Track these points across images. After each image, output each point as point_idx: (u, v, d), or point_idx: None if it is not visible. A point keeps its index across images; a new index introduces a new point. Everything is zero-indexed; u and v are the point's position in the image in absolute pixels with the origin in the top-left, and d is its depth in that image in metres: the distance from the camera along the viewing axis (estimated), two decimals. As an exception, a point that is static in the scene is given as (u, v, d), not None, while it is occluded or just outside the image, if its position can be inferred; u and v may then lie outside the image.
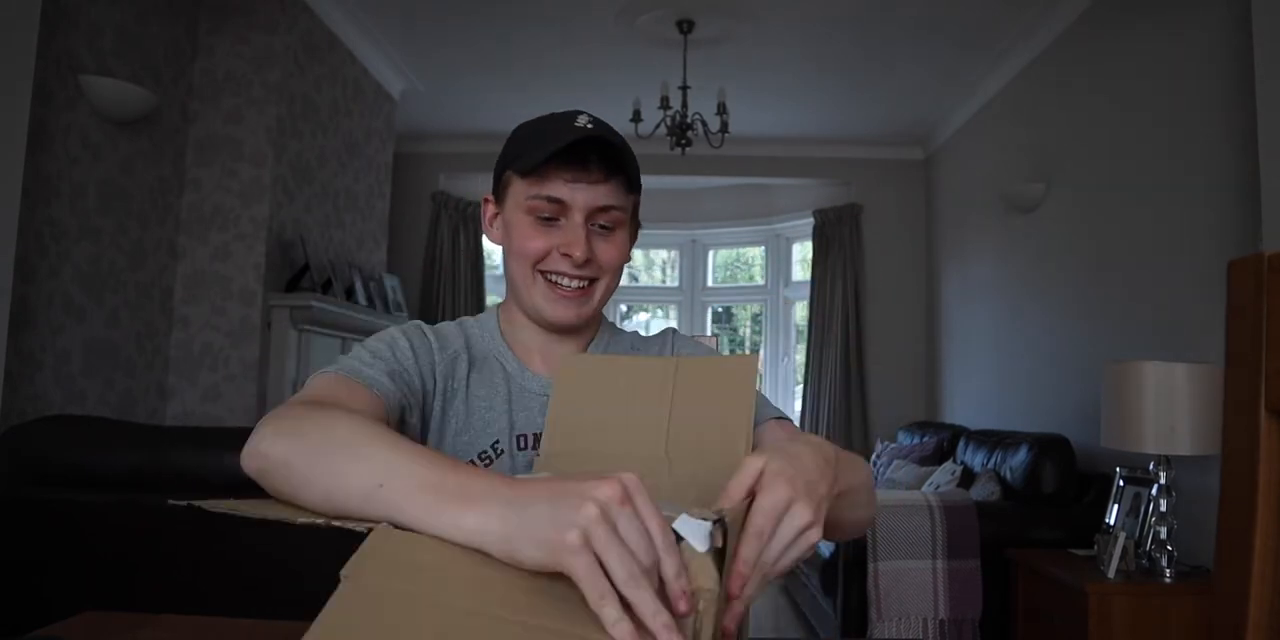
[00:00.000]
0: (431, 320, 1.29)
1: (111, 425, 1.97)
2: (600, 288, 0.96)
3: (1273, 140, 2.15)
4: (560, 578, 0.49)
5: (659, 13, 3.74)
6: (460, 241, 5.72)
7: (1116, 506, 2.53)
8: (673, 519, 0.53)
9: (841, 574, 2.92)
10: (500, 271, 7.02)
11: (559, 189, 0.89)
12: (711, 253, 6.65)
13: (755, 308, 6.63)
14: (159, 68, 3.13)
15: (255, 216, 3.33)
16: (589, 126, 0.89)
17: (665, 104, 3.82)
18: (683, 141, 3.91)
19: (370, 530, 0.53)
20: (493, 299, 6.21)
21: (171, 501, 0.59)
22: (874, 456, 4.65)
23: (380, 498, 0.56)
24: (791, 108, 5.02)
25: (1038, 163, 3.84)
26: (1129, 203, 3.04)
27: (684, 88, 3.95)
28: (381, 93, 4.50)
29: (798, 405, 5.86)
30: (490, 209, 1.00)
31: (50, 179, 2.60)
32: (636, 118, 3.96)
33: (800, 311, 6.15)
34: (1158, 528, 2.31)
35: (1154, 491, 2.32)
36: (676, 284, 6.60)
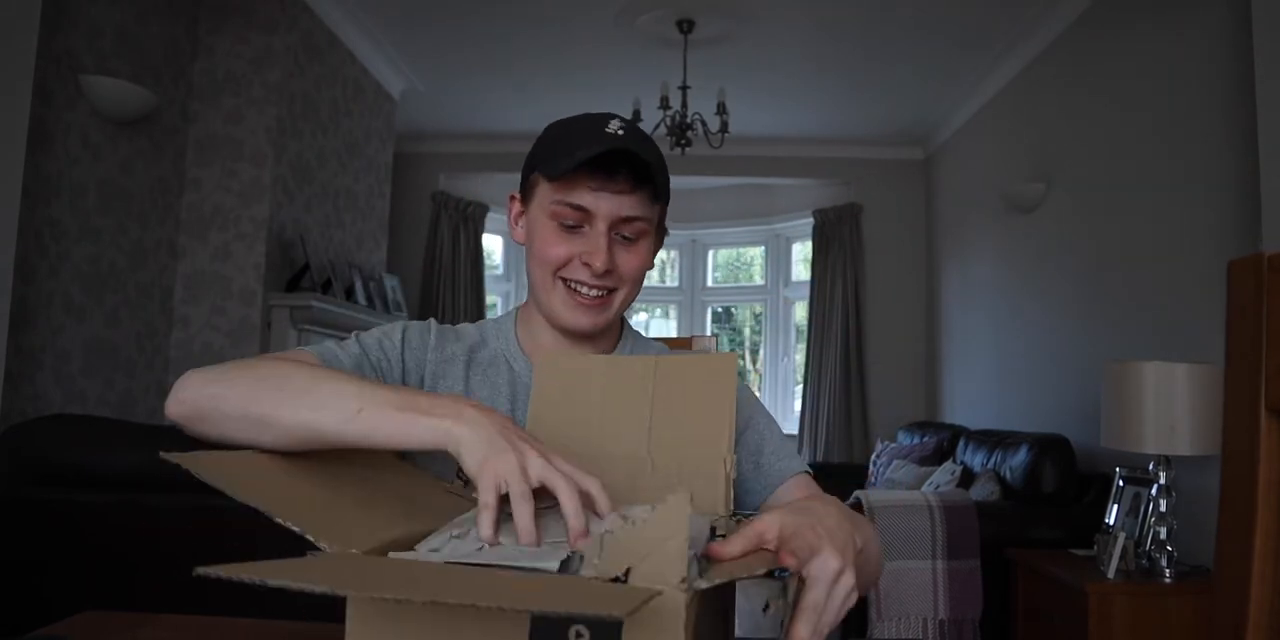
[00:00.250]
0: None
1: (111, 425, 1.97)
2: (619, 297, 0.96)
3: (1273, 140, 2.15)
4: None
5: (659, 13, 3.74)
6: (460, 241, 5.72)
7: (1116, 506, 2.53)
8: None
9: (841, 574, 2.92)
10: (500, 271, 7.01)
11: (584, 197, 0.89)
12: (711, 252, 6.66)
13: (755, 308, 6.63)
14: (159, 68, 3.13)
15: (255, 216, 3.33)
16: (620, 133, 0.88)
17: (665, 104, 3.82)
18: (683, 141, 3.91)
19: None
20: (492, 299, 6.21)
21: (163, 454, 0.61)
22: (874, 456, 4.65)
23: (360, 420, 0.67)
24: (791, 108, 5.02)
25: (1038, 163, 3.84)
26: (1129, 203, 3.03)
27: (684, 88, 3.95)
28: (381, 93, 4.50)
29: (798, 405, 5.87)
30: (515, 207, 1.00)
31: (50, 179, 2.60)
32: (636, 118, 3.96)
33: (800, 311, 6.15)
34: (1157, 528, 2.31)
35: (1154, 491, 2.32)
36: (676, 284, 6.61)
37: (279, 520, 0.57)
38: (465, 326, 1.04)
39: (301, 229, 3.61)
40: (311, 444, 0.70)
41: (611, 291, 0.94)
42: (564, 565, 0.56)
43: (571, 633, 0.50)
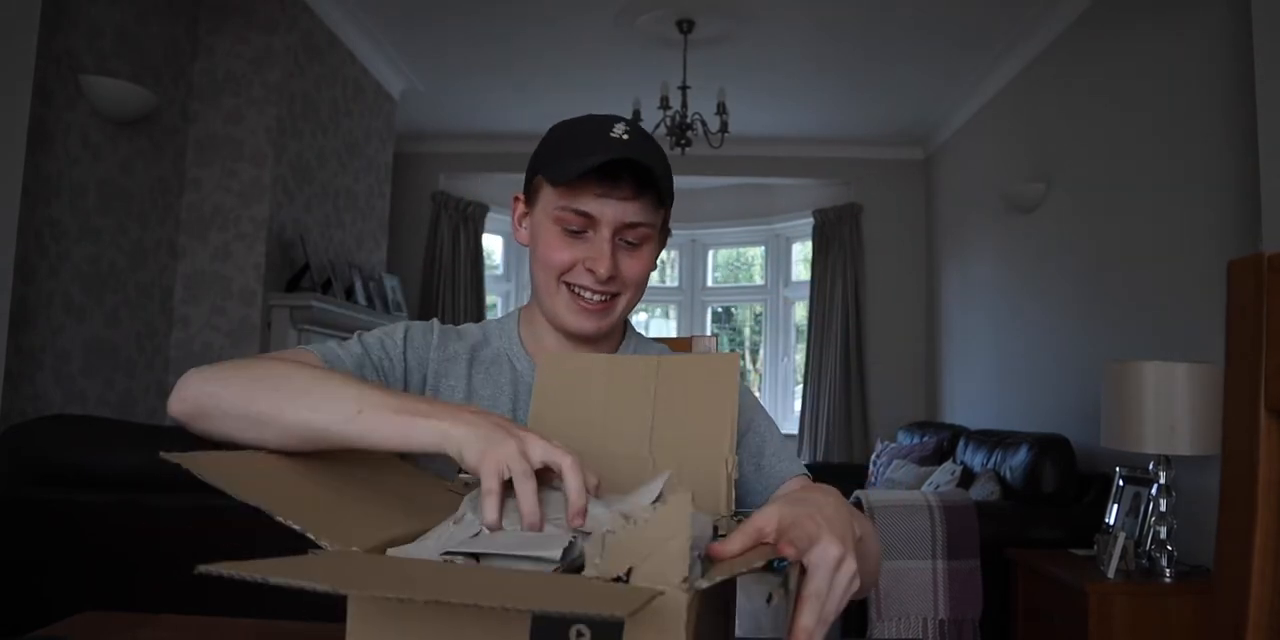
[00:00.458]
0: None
1: (111, 425, 1.97)
2: (622, 301, 0.96)
3: (1273, 140, 2.15)
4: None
5: (659, 13, 3.74)
6: (460, 241, 5.72)
7: (1116, 506, 2.53)
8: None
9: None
10: (500, 271, 7.00)
11: (588, 203, 0.89)
12: (711, 252, 6.66)
13: (755, 308, 6.63)
14: (159, 68, 3.13)
15: (255, 216, 3.33)
16: (625, 137, 0.88)
17: (665, 104, 3.82)
18: (683, 141, 3.91)
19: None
20: (492, 299, 6.21)
21: (164, 454, 0.60)
22: (874, 456, 4.65)
23: (360, 421, 0.68)
24: (791, 108, 5.02)
25: (1038, 163, 3.84)
26: (1129, 203, 3.04)
27: (684, 88, 3.95)
28: (381, 93, 4.50)
29: (798, 405, 5.87)
30: (519, 208, 1.00)
31: (50, 179, 2.60)
32: (636, 118, 3.96)
33: (800, 311, 6.15)
34: (1157, 527, 2.31)
35: (1154, 491, 2.32)
36: (676, 284, 6.61)
37: (280, 519, 0.57)
38: (468, 326, 1.04)
39: (301, 229, 3.61)
40: (311, 443, 0.71)
41: (615, 296, 0.95)
42: (565, 553, 0.56)
43: (572, 632, 0.50)
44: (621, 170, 0.87)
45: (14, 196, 2.24)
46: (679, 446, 0.77)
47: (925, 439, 4.35)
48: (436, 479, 0.78)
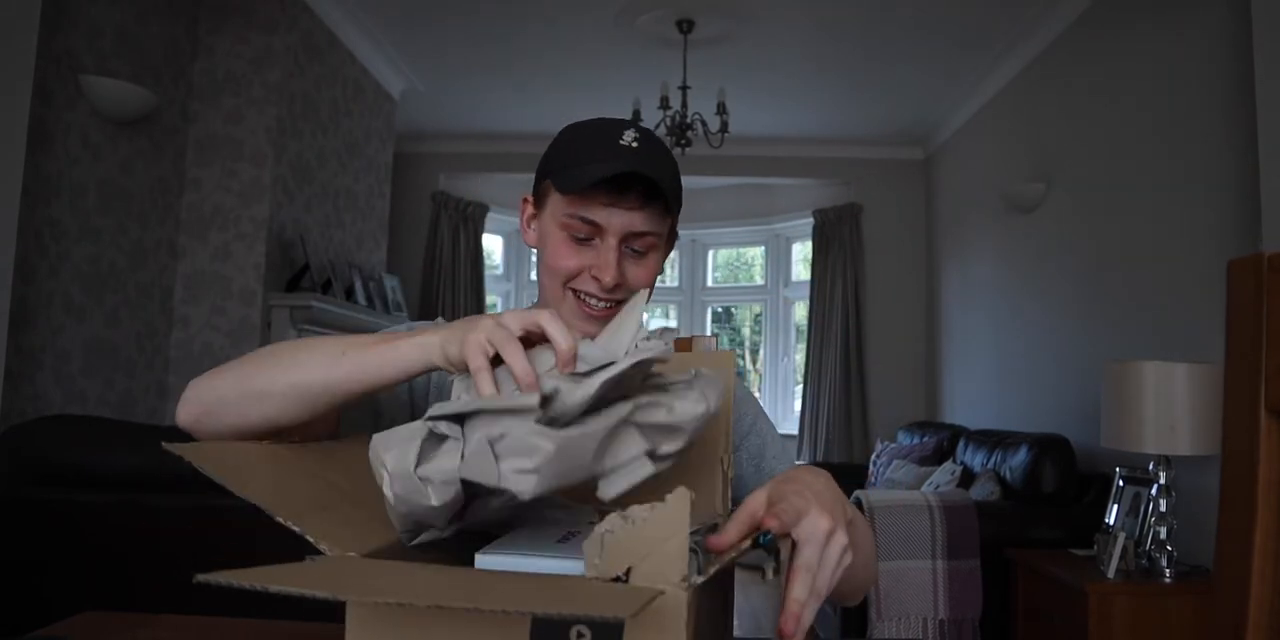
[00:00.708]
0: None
1: (111, 425, 1.97)
2: None
3: (1273, 140, 2.15)
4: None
5: (659, 13, 3.74)
6: (460, 241, 5.72)
7: (1116, 506, 2.53)
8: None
9: (841, 574, 2.92)
10: (500, 271, 6.98)
11: (595, 212, 0.89)
12: (711, 253, 6.66)
13: (755, 308, 6.63)
14: (159, 68, 3.13)
15: (255, 216, 3.33)
16: (634, 145, 0.88)
17: (665, 104, 3.82)
18: (683, 141, 3.91)
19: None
20: (492, 299, 6.21)
21: (165, 445, 0.60)
22: (874, 456, 4.65)
23: (345, 362, 0.71)
24: (791, 108, 5.02)
25: (1038, 163, 3.84)
26: (1129, 203, 3.04)
27: (684, 88, 3.95)
28: (381, 93, 4.50)
29: (798, 405, 5.87)
30: (528, 209, 1.00)
31: (50, 179, 2.60)
32: (636, 118, 3.96)
33: (800, 311, 6.15)
34: (1157, 528, 2.31)
35: (1154, 491, 2.32)
36: (676, 284, 6.61)
37: (279, 519, 0.57)
38: None
39: (301, 229, 3.61)
40: (311, 401, 0.73)
41: (620, 303, 0.94)
42: (545, 401, 0.56)
43: (573, 633, 0.50)
44: (629, 180, 0.87)
45: (14, 196, 2.24)
46: None
47: (925, 439, 4.35)
48: None
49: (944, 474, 3.63)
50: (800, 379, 5.89)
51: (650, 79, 4.11)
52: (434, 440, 0.57)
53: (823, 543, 0.58)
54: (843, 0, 3.60)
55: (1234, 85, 2.44)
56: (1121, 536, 2.33)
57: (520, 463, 0.55)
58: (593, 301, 0.93)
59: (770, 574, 0.60)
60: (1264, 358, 0.56)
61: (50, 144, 2.60)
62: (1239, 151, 2.40)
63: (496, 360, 0.63)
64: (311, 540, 0.56)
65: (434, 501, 0.56)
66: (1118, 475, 2.56)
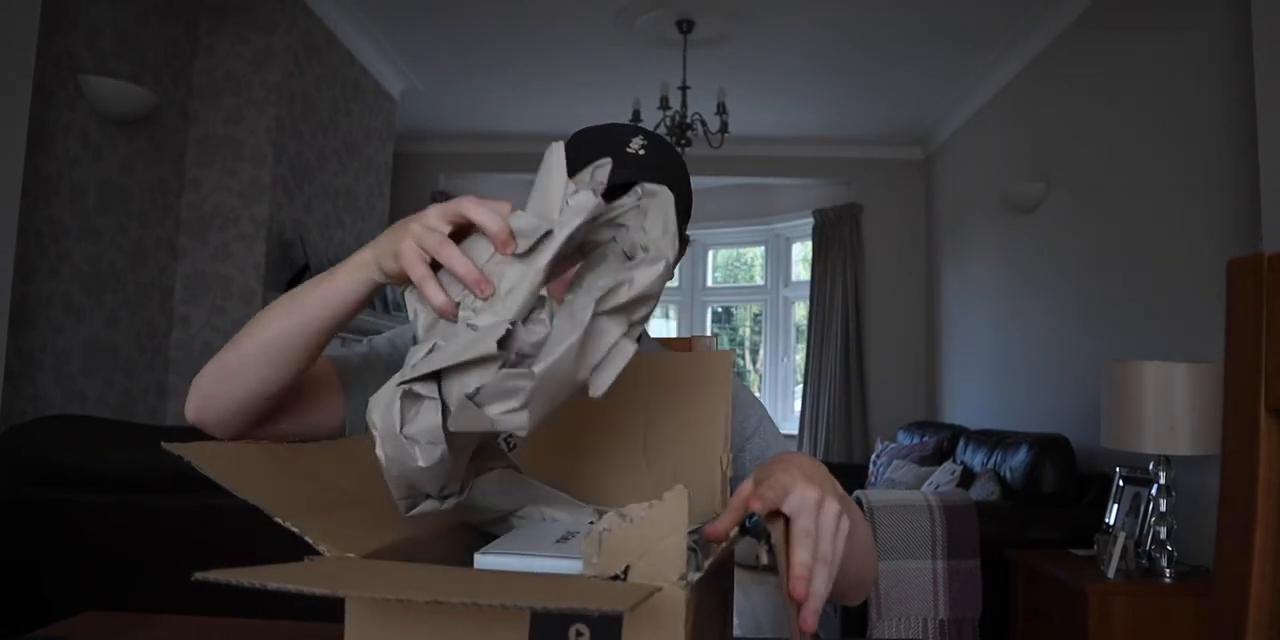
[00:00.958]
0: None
1: (111, 425, 1.97)
2: None
3: (1273, 140, 2.15)
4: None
5: (659, 13, 3.74)
6: (460, 241, 5.71)
7: (1116, 506, 2.53)
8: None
9: (841, 574, 2.92)
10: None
11: None
12: (711, 253, 6.66)
13: (755, 308, 6.63)
14: (159, 68, 3.13)
15: (255, 216, 3.33)
16: (640, 153, 0.87)
17: (665, 104, 3.82)
18: (683, 141, 3.91)
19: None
20: (493, 299, 6.20)
21: (165, 445, 0.60)
22: (874, 456, 4.65)
23: (297, 304, 0.73)
24: (791, 108, 5.02)
25: (1038, 163, 3.84)
26: (1129, 203, 3.04)
27: (684, 88, 3.95)
28: (381, 93, 4.50)
29: (798, 405, 5.87)
30: None
31: (50, 179, 2.60)
32: (636, 118, 3.96)
33: (800, 311, 6.15)
34: (1157, 528, 2.31)
35: (1154, 491, 2.32)
36: (676, 284, 6.61)
37: (278, 520, 0.57)
38: None
39: (301, 229, 3.61)
40: (281, 355, 0.74)
41: None
42: (502, 343, 0.55)
43: (571, 632, 0.50)
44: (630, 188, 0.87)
45: (14, 196, 2.24)
46: (673, 446, 0.77)
47: (925, 439, 4.35)
48: None
49: (944, 474, 3.63)
50: (800, 379, 5.89)
51: (650, 79, 4.11)
52: (412, 398, 0.57)
53: (815, 511, 0.57)
54: (843, 0, 3.60)
55: (1234, 85, 2.44)
56: (1121, 536, 2.33)
57: (506, 405, 0.55)
58: None
59: (765, 557, 0.59)
60: (1264, 358, 0.56)
61: (50, 144, 2.60)
62: (1239, 151, 2.40)
63: (438, 263, 0.62)
64: (310, 541, 0.56)
65: (421, 462, 0.56)
66: (1118, 475, 2.56)
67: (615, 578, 0.51)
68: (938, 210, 5.43)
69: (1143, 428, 2.27)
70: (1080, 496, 2.94)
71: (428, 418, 0.56)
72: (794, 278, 6.28)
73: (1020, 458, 3.07)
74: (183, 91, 3.30)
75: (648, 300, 0.61)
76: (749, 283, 6.68)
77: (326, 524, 0.59)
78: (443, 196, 5.71)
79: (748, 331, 6.79)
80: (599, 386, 0.60)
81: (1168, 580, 2.26)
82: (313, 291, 0.73)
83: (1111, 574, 2.29)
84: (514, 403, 0.55)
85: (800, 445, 5.54)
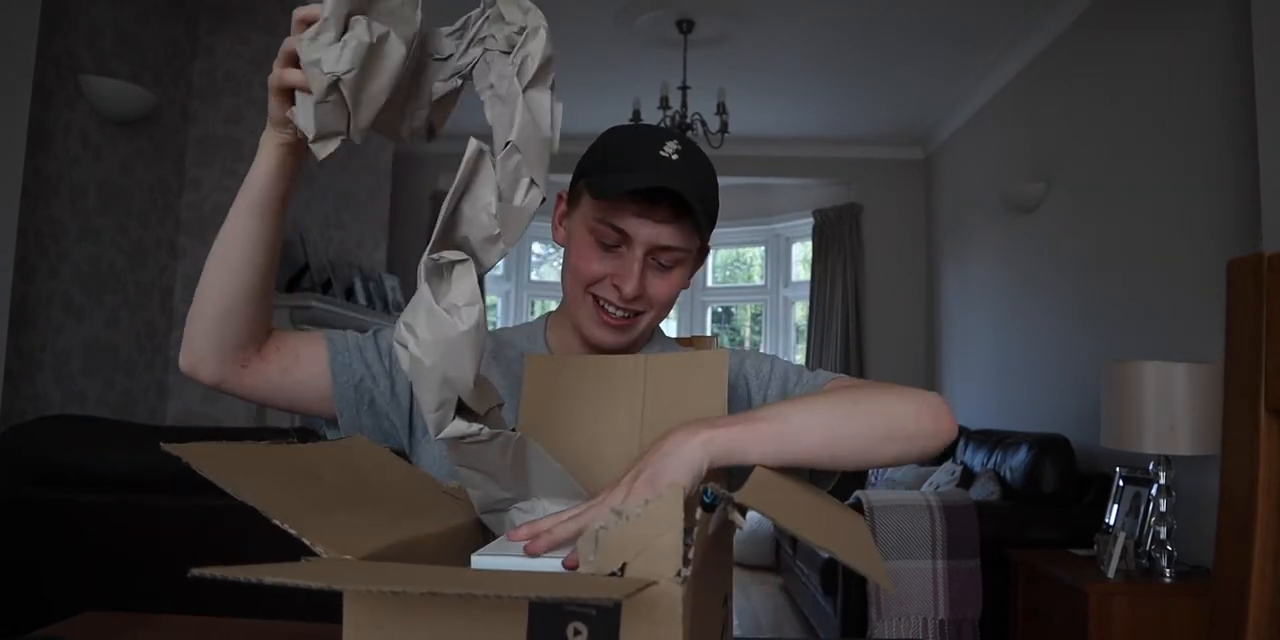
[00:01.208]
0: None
1: (111, 425, 1.97)
2: (646, 319, 0.95)
3: (1273, 140, 2.15)
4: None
5: (659, 13, 3.74)
6: (460, 241, 5.71)
7: (1116, 506, 2.53)
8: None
9: (841, 574, 2.92)
10: (500, 271, 6.97)
11: (625, 221, 0.88)
12: (711, 253, 6.65)
13: (755, 308, 6.63)
14: (159, 68, 3.13)
15: (255, 216, 3.33)
16: (674, 157, 0.87)
17: (665, 104, 3.82)
18: (683, 141, 3.91)
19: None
20: (493, 299, 6.21)
21: (164, 445, 0.60)
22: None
23: (239, 195, 0.83)
24: (791, 108, 5.02)
25: (1038, 163, 3.84)
26: (1129, 203, 3.04)
27: (684, 88, 3.95)
28: (381, 93, 4.49)
29: (798, 405, 5.86)
30: (561, 207, 0.99)
31: (50, 179, 2.60)
32: (636, 118, 3.97)
33: (800, 311, 6.15)
34: (1158, 528, 2.31)
35: (1154, 491, 2.32)
36: (676, 284, 6.60)
37: (276, 522, 0.57)
38: (502, 329, 1.05)
39: (301, 229, 3.61)
40: (235, 242, 0.84)
41: (639, 314, 0.94)
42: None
43: (569, 630, 0.50)
44: (662, 193, 0.86)
45: (14, 196, 2.24)
46: None
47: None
48: (434, 481, 0.78)
49: (944, 474, 3.63)
50: (800, 379, 5.89)
51: (650, 79, 4.11)
52: (438, 273, 0.61)
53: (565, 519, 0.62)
54: (843, 0, 3.60)
55: (1234, 85, 2.44)
56: (1121, 536, 2.33)
57: (523, 187, 0.64)
58: (611, 309, 0.92)
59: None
60: (1264, 358, 0.56)
61: (50, 144, 2.60)
62: (1239, 151, 2.40)
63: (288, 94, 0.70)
64: (308, 542, 0.56)
65: (463, 325, 0.59)
66: (1118, 475, 2.56)
67: (612, 575, 0.51)
68: (938, 210, 5.43)
69: (1143, 428, 2.27)
70: (1080, 496, 2.94)
71: (462, 281, 0.60)
72: (794, 278, 6.28)
73: (1020, 458, 3.07)
74: (183, 91, 3.30)
75: (551, 62, 0.66)
76: (749, 283, 6.68)
77: (324, 526, 0.59)
78: (443, 196, 5.70)
79: (748, 331, 6.79)
80: (557, 141, 0.67)
81: (1168, 580, 2.26)
82: (243, 184, 0.81)
83: (1111, 574, 2.29)
84: (526, 179, 0.63)
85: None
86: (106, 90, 2.73)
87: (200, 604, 1.07)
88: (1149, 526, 2.34)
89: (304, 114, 0.67)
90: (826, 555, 3.12)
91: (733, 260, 6.87)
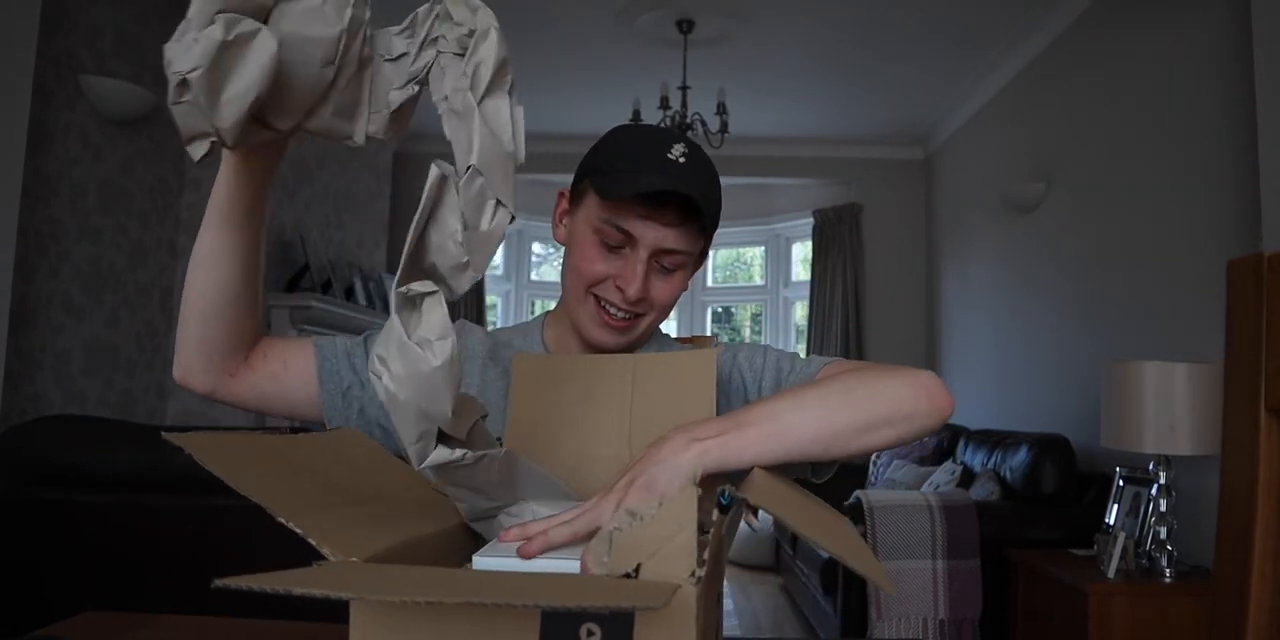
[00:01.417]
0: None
1: (111, 425, 1.97)
2: (646, 321, 0.95)
3: (1273, 140, 2.15)
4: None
5: (659, 13, 3.74)
6: (460, 241, 5.71)
7: (1116, 506, 2.53)
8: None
9: (841, 574, 2.92)
10: (500, 271, 6.96)
11: (630, 223, 0.88)
12: (711, 252, 6.65)
13: (755, 308, 6.63)
14: (159, 68, 3.12)
15: (255, 216, 3.33)
16: (681, 160, 0.87)
17: (665, 104, 3.82)
18: (683, 141, 3.91)
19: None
20: (492, 299, 6.21)
21: (165, 435, 0.60)
22: (874, 456, 4.65)
23: (209, 206, 0.83)
24: (791, 108, 5.03)
25: (1038, 163, 3.84)
26: (1129, 203, 3.04)
27: (684, 88, 3.95)
28: (381, 93, 4.49)
29: (798, 405, 5.86)
30: (563, 204, 0.99)
31: (50, 179, 2.60)
32: (636, 118, 3.97)
33: (800, 311, 6.15)
34: (1158, 528, 2.31)
35: (1154, 491, 2.32)
36: (676, 284, 6.60)
37: (280, 519, 0.57)
38: (501, 329, 1.05)
39: (301, 229, 3.61)
40: (213, 250, 0.82)
41: (640, 316, 0.94)
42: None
43: (583, 631, 0.50)
44: (670, 196, 0.86)
45: (14, 196, 2.24)
46: None
47: (925, 439, 4.35)
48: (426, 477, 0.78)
49: (944, 474, 3.63)
50: (800, 379, 5.89)
51: (650, 79, 4.11)
52: (410, 304, 0.58)
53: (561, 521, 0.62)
54: (843, 0, 3.60)
55: (1234, 85, 2.44)
56: (1121, 536, 2.33)
57: (488, 211, 0.63)
58: (612, 310, 0.92)
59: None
60: (1264, 358, 0.56)
61: (50, 144, 2.60)
62: (1239, 151, 2.40)
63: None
64: (314, 543, 0.56)
65: (436, 360, 0.57)
66: (1118, 475, 2.56)
67: (626, 576, 0.51)
68: (938, 210, 5.43)
69: (1143, 428, 2.27)
70: (1080, 496, 2.94)
71: (434, 312, 0.58)
72: (794, 278, 6.28)
73: (1020, 458, 3.07)
74: (183, 91, 3.30)
75: (506, 65, 0.65)
76: (749, 283, 6.68)
77: (327, 523, 0.59)
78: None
79: (748, 331, 6.79)
80: (522, 150, 0.66)
81: (1168, 580, 2.26)
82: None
83: (1111, 574, 2.29)
84: (491, 202, 0.61)
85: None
86: (106, 90, 2.73)
87: (200, 604, 1.07)
88: (1149, 526, 2.34)
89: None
90: (827, 555, 3.11)
91: (733, 260, 6.87)
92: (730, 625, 3.62)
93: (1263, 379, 0.57)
